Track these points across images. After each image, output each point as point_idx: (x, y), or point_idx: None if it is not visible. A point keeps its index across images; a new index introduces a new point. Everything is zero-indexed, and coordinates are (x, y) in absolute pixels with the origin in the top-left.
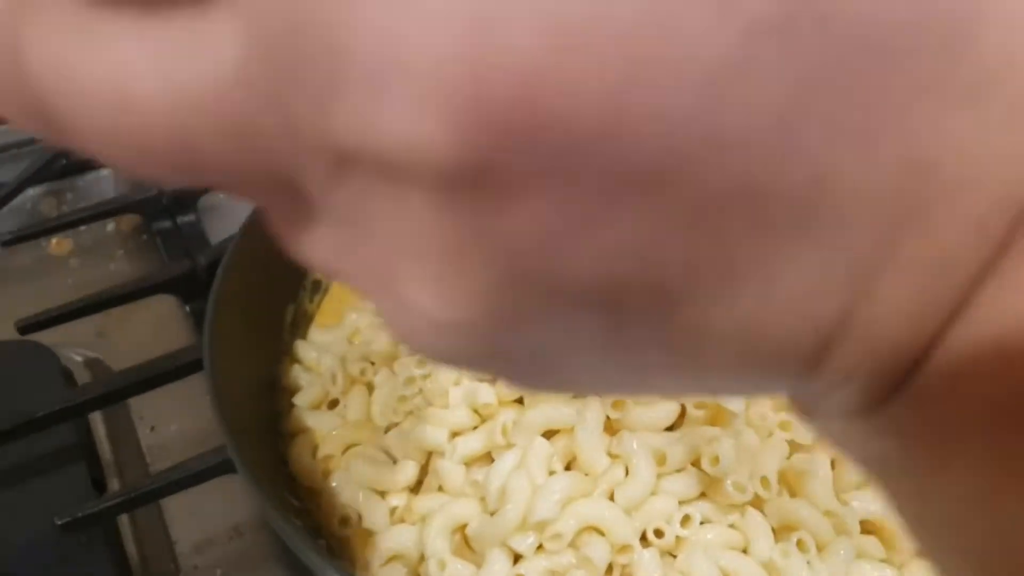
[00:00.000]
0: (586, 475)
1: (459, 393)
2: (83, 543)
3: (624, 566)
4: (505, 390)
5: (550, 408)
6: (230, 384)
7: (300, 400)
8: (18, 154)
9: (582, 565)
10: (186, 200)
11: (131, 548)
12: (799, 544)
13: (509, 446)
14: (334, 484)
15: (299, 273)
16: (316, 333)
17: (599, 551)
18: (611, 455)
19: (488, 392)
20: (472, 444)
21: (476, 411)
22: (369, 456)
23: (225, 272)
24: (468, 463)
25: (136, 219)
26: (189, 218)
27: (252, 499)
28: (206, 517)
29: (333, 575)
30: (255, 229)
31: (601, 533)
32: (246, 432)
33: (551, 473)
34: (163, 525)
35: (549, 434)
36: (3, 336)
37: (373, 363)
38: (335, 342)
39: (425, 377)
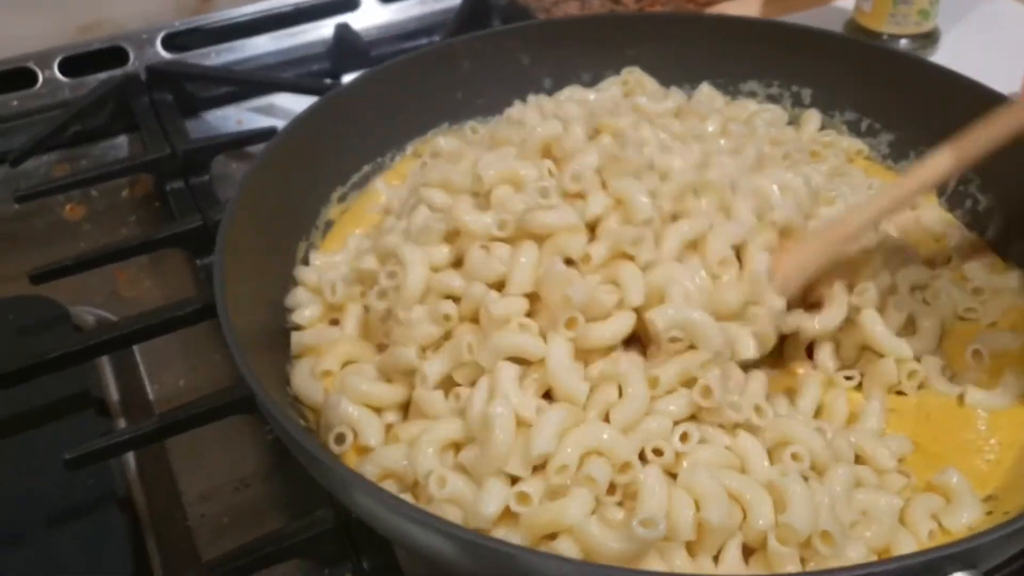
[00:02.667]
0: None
1: (422, 310)
2: (92, 493)
3: (626, 485)
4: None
5: (512, 335)
6: (241, 309)
7: (299, 316)
8: (30, 122)
9: (584, 484)
10: (199, 160)
11: (139, 498)
12: (794, 457)
13: (476, 367)
14: (332, 399)
15: (311, 210)
16: (318, 257)
17: (600, 470)
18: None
19: (450, 305)
20: (438, 367)
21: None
22: (365, 373)
23: (238, 204)
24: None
25: (148, 185)
26: (202, 179)
27: (260, 447)
28: (213, 468)
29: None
30: (269, 163)
31: (600, 454)
32: (255, 353)
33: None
34: (170, 475)
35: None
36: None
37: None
38: (337, 264)
39: (396, 289)
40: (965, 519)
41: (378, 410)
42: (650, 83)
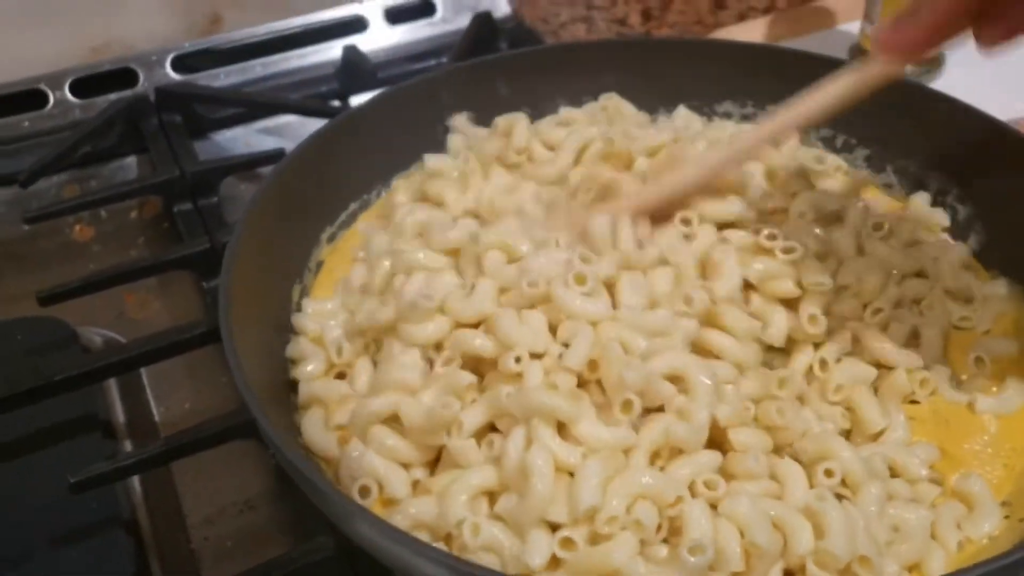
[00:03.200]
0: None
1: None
2: (97, 515)
3: (671, 519)
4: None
5: (549, 397)
6: (245, 349)
7: (302, 372)
8: (40, 143)
9: (631, 528)
10: (208, 182)
11: (144, 521)
12: (827, 474)
13: (512, 417)
14: (355, 451)
15: (303, 252)
16: (310, 304)
17: (648, 514)
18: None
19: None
20: (476, 417)
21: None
22: (389, 427)
23: (237, 243)
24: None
25: (158, 206)
26: (210, 200)
27: (264, 471)
28: (217, 491)
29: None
30: (263, 208)
31: (645, 498)
32: (261, 399)
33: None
34: (175, 498)
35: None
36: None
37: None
38: (331, 312)
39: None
40: (987, 528)
41: (405, 465)
42: (628, 108)
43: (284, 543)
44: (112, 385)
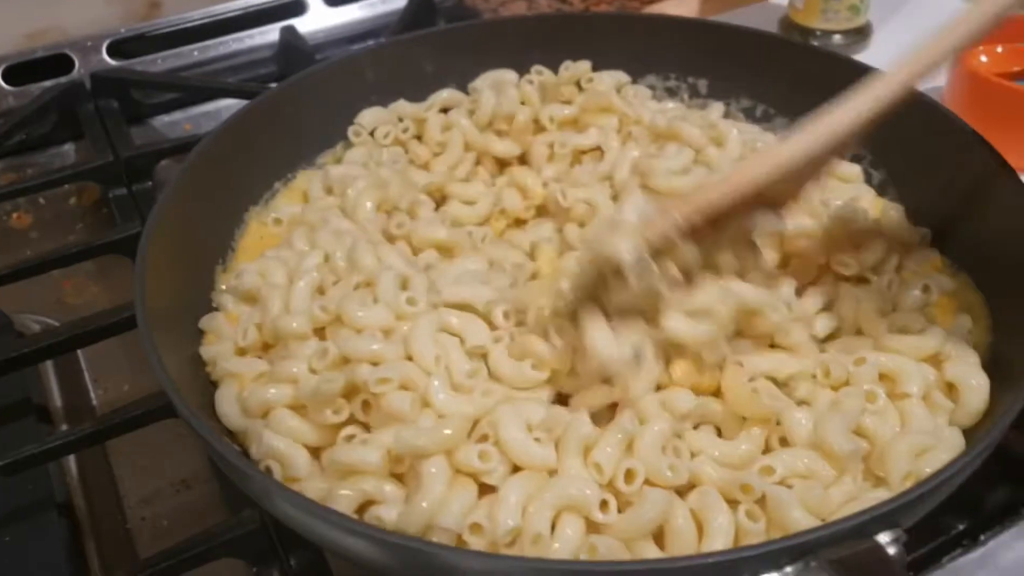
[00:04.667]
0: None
1: None
2: (31, 497)
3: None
4: None
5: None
6: (164, 330)
7: (214, 350)
8: None
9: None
10: (142, 167)
11: (79, 502)
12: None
13: None
14: (255, 432)
15: (226, 232)
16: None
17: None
18: None
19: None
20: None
21: None
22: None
23: (155, 226)
24: None
25: (96, 193)
26: (144, 185)
27: (200, 450)
28: (154, 471)
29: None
30: (182, 190)
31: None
32: (180, 380)
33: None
34: (111, 479)
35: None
36: None
37: None
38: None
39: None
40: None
41: (306, 447)
42: (551, 78)
43: (221, 519)
44: (49, 369)
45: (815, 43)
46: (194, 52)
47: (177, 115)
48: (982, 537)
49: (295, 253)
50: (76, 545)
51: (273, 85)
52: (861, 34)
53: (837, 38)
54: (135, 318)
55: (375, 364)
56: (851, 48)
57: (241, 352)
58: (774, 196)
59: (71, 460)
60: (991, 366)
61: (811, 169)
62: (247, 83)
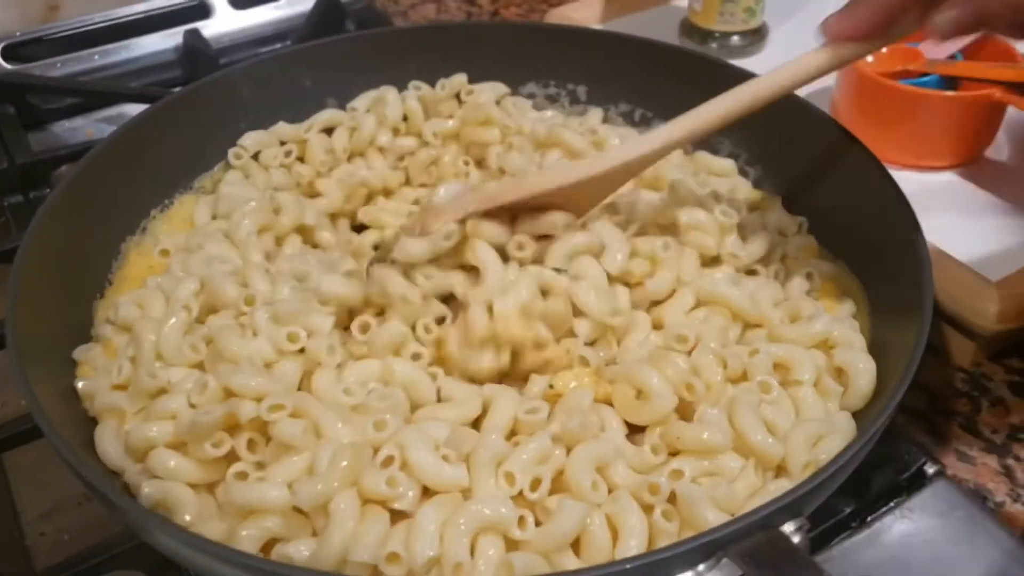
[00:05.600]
0: None
1: None
2: None
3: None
4: None
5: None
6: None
7: (88, 386)
8: None
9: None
10: (39, 173)
11: None
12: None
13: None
14: (134, 479)
15: (103, 264)
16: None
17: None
18: None
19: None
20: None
21: None
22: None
23: (32, 243)
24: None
25: None
26: (42, 192)
27: None
28: (54, 485)
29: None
30: (67, 200)
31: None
32: (53, 411)
33: None
34: (7, 494)
35: None
36: None
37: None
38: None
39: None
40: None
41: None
42: (430, 93)
43: (120, 533)
44: None
45: (714, 44)
46: (95, 56)
47: (78, 120)
48: (869, 518)
49: (173, 280)
50: None
51: (177, 89)
52: (758, 35)
53: (735, 39)
54: None
55: (259, 400)
56: (748, 49)
57: (118, 387)
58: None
59: None
60: (874, 347)
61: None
62: (149, 87)
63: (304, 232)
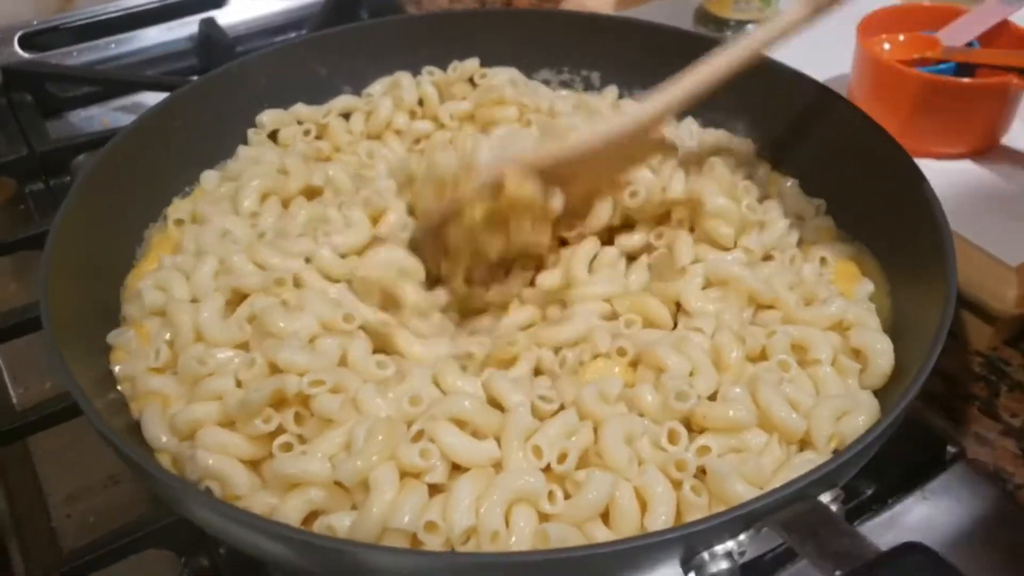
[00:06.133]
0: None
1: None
2: None
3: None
4: None
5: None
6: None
7: (125, 370)
8: None
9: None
10: (59, 161)
11: (0, 501)
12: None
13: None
14: (187, 452)
15: (128, 248)
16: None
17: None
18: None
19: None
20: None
21: None
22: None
23: (60, 229)
24: None
25: (12, 188)
26: (62, 180)
27: None
28: (80, 468)
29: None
30: (91, 188)
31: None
32: (90, 388)
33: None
34: (34, 478)
35: None
36: None
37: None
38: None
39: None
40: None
41: (243, 461)
42: (443, 77)
43: (148, 514)
44: None
45: (729, 33)
46: (111, 45)
47: (94, 109)
48: (890, 500)
49: (189, 259)
50: None
51: (194, 78)
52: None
53: (750, 28)
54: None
55: (302, 375)
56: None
57: (156, 370)
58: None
59: None
60: (895, 327)
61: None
62: (166, 76)
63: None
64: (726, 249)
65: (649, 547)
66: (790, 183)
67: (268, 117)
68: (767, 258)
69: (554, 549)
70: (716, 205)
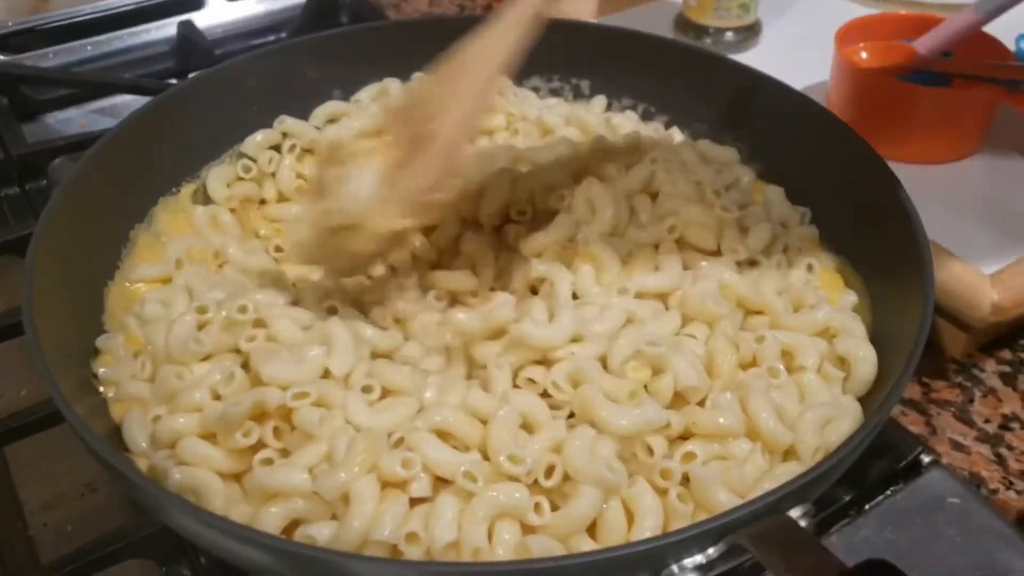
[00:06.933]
0: None
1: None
2: None
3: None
4: None
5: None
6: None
7: (110, 374)
8: None
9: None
10: (35, 165)
11: None
12: None
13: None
14: (162, 466)
15: (113, 249)
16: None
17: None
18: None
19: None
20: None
21: None
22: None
23: (44, 231)
24: None
25: None
26: (39, 184)
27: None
28: (57, 476)
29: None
30: (76, 189)
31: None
32: (68, 391)
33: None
34: (10, 486)
35: None
36: None
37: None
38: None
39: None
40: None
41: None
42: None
43: (126, 523)
44: None
45: (708, 40)
46: (87, 47)
47: (71, 111)
48: (867, 506)
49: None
50: None
51: (173, 81)
52: (751, 31)
53: (729, 35)
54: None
55: (285, 388)
56: (742, 44)
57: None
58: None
59: None
60: (873, 336)
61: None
62: (143, 79)
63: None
64: (711, 253)
65: (616, 559)
66: (775, 190)
67: (259, 140)
68: (753, 263)
69: (523, 560)
70: (689, 214)
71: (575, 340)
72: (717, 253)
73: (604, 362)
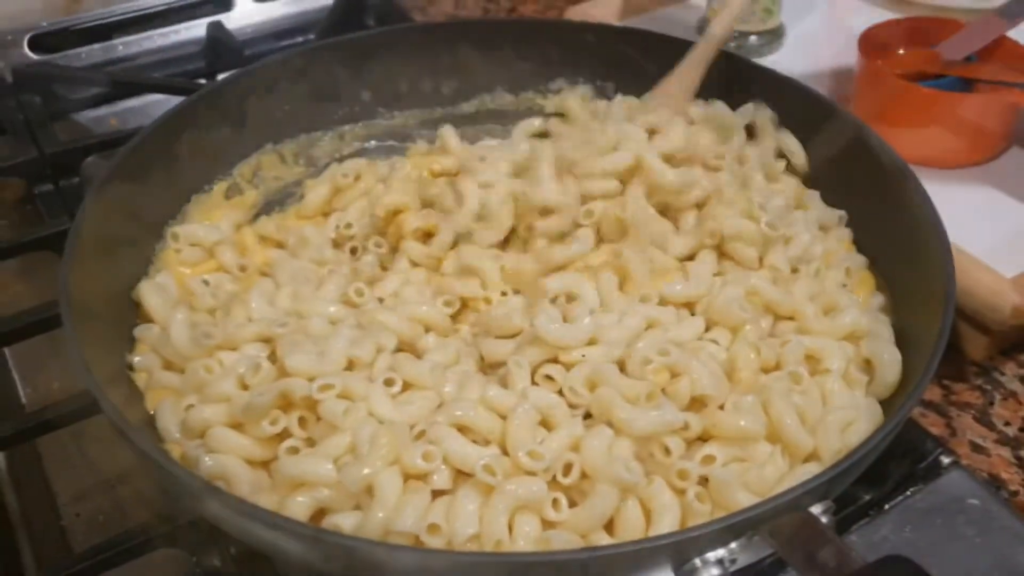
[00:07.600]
0: None
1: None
2: None
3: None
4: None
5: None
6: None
7: (144, 362)
8: None
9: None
10: (68, 163)
11: (10, 499)
12: None
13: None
14: (193, 453)
15: (148, 244)
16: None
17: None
18: None
19: None
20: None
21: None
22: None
23: (81, 226)
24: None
25: (20, 189)
26: (71, 181)
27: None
28: (89, 468)
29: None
30: (112, 184)
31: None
32: (104, 381)
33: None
34: (43, 477)
35: None
36: None
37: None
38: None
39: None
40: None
41: (250, 462)
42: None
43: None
44: None
45: (732, 44)
46: (119, 47)
47: (103, 110)
48: (887, 506)
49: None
50: (8, 543)
51: (202, 81)
52: (775, 35)
53: (753, 39)
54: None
55: (311, 379)
56: (765, 48)
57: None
58: None
59: (0, 458)
60: (897, 339)
61: None
62: (174, 78)
63: None
64: (752, 270)
65: (641, 552)
66: (813, 194)
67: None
68: (794, 271)
69: (547, 552)
70: (734, 227)
71: (591, 343)
72: (758, 266)
73: (622, 366)
